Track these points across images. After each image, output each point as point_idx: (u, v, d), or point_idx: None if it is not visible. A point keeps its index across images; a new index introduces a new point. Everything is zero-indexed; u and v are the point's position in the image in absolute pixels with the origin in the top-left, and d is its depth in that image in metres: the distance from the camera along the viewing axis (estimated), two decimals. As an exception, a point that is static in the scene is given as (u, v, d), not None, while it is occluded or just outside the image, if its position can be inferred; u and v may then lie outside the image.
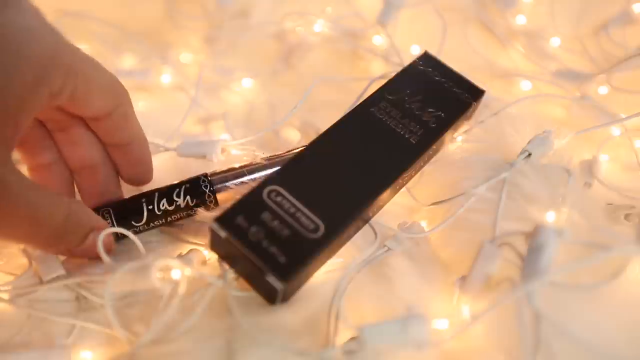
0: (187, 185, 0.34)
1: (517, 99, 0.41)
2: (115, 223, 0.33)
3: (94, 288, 0.32)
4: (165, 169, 0.39)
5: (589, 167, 0.38)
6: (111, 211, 0.34)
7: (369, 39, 0.49)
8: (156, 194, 0.34)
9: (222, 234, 0.29)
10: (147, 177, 0.35)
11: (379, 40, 0.49)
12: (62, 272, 0.32)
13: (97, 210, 0.34)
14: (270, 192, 0.30)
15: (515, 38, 0.50)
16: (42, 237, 0.29)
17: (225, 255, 0.31)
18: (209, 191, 0.34)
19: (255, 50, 0.50)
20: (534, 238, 0.29)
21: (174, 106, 0.45)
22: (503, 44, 0.50)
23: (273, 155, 0.36)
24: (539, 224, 0.29)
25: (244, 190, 0.33)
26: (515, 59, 0.49)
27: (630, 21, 0.49)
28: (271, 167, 0.35)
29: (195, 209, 0.34)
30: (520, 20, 0.51)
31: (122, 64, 0.48)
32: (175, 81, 0.47)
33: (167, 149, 0.39)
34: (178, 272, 0.30)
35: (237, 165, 0.36)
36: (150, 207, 0.34)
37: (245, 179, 0.35)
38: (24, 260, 0.33)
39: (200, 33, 0.51)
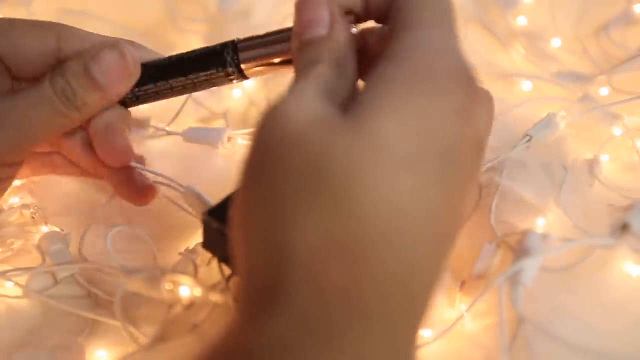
0: (214, 48, 0.32)
1: (519, 100, 0.42)
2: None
3: (106, 286, 0.32)
4: (169, 154, 0.39)
5: (590, 167, 0.38)
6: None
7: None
8: (184, 52, 0.33)
9: (215, 225, 0.28)
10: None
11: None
12: (75, 269, 0.32)
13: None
14: None
15: (516, 39, 0.50)
16: (57, 110, 0.29)
17: (220, 252, 0.30)
18: (230, 58, 0.31)
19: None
20: (522, 243, 0.29)
21: (175, 106, 0.45)
22: (503, 44, 0.50)
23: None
24: (527, 230, 0.30)
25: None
26: (515, 60, 0.49)
27: (631, 22, 0.49)
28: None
29: (218, 76, 0.32)
30: (521, 21, 0.51)
31: (123, 64, 0.48)
32: (177, 81, 0.47)
33: (169, 133, 0.39)
34: (187, 290, 0.30)
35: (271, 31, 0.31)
36: (174, 58, 0.32)
37: (275, 47, 0.30)
38: (37, 255, 0.33)
39: (201, 33, 0.51)
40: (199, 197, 0.33)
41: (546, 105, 0.43)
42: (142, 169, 0.35)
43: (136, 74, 0.31)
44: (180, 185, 0.34)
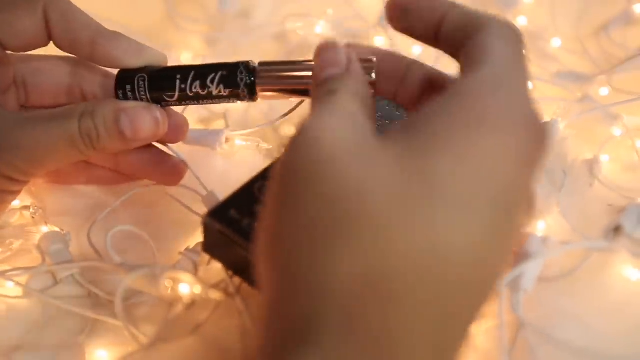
0: (224, 73, 0.31)
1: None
2: (147, 92, 0.31)
3: (106, 285, 0.32)
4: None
5: (590, 167, 0.38)
6: (146, 78, 0.31)
7: (370, 40, 0.49)
8: (191, 74, 0.31)
9: (217, 226, 0.29)
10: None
11: (380, 41, 0.49)
12: (75, 269, 0.32)
13: (133, 73, 0.31)
14: (260, 187, 0.30)
15: (516, 39, 0.50)
16: (75, 147, 0.30)
17: (220, 255, 0.30)
18: (244, 85, 0.30)
19: (257, 52, 0.50)
20: (522, 247, 0.30)
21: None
22: (504, 44, 0.50)
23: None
24: (528, 234, 0.30)
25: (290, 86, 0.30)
26: (515, 60, 0.49)
27: (631, 22, 0.49)
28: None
29: (233, 99, 0.31)
30: (521, 21, 0.51)
31: (123, 64, 0.48)
32: (177, 82, 0.47)
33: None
34: (187, 287, 0.30)
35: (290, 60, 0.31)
36: (183, 86, 0.31)
37: (292, 74, 0.30)
38: (37, 255, 0.33)
39: (202, 34, 0.51)
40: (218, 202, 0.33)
41: (546, 106, 0.43)
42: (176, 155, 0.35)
43: (162, 134, 0.32)
44: (205, 189, 0.35)
